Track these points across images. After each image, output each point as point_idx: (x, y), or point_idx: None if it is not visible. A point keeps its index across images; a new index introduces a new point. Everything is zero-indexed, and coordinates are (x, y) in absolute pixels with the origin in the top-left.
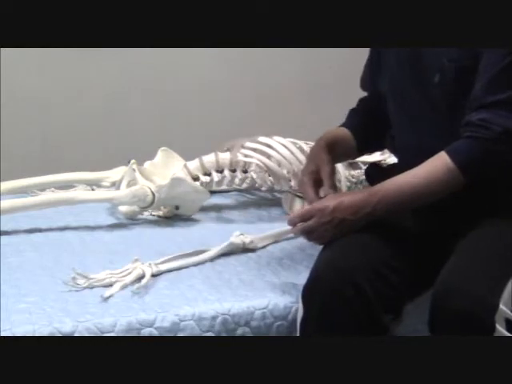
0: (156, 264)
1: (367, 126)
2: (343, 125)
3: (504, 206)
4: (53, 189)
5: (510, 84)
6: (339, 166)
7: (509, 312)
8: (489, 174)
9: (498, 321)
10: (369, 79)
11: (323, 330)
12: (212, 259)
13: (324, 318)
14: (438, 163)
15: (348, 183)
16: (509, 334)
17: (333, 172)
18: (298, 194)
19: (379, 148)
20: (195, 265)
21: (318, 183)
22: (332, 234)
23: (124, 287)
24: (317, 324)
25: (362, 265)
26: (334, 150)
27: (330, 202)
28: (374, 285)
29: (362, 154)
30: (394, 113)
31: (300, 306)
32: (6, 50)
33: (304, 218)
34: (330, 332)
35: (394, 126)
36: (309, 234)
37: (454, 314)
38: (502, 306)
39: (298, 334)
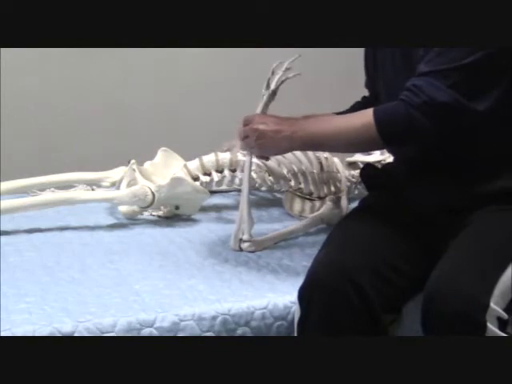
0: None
1: None
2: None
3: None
4: (53, 189)
5: (451, 60)
6: (339, 166)
7: (500, 310)
8: (403, 142)
9: (490, 320)
10: (367, 80)
11: (322, 330)
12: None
13: (323, 318)
14: (361, 114)
15: (348, 183)
16: (501, 332)
17: None
18: (298, 193)
19: None
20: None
21: None
22: (259, 146)
23: None
24: (316, 324)
25: (362, 264)
26: None
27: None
28: (375, 284)
29: None
30: None
31: (296, 306)
32: (5, 50)
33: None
34: (330, 332)
35: None
36: (248, 146)
37: (444, 315)
38: (492, 305)
39: (295, 335)
